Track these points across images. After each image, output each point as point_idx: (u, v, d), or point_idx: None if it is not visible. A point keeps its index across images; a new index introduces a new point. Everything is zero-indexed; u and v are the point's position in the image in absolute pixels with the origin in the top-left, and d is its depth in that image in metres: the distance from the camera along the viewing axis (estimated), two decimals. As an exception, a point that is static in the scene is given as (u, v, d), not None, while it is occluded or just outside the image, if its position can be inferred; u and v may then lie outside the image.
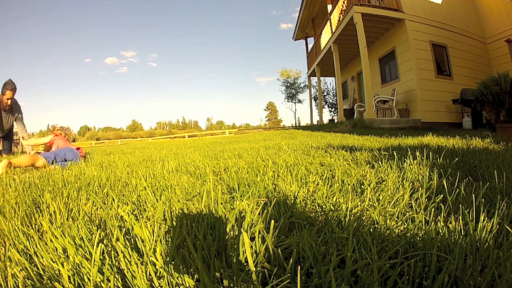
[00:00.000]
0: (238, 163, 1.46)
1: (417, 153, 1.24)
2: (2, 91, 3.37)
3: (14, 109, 3.65)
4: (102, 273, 0.44)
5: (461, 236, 0.54)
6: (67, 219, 0.74)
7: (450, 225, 0.58)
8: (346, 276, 0.40)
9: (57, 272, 0.47)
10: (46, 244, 0.56)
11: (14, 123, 3.80)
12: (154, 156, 2.30)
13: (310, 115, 12.87)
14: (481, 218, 0.56)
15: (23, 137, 3.77)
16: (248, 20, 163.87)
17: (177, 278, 0.43)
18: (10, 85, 3.41)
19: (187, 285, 0.43)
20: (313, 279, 0.41)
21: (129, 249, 0.49)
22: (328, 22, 8.59)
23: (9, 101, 3.42)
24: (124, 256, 0.47)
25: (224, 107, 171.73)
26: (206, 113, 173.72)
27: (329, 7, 8.61)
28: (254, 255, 0.48)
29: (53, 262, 0.49)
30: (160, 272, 0.45)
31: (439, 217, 0.64)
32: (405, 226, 0.62)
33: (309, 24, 11.96)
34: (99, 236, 0.57)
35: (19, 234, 0.61)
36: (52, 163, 2.12)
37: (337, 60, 8.12)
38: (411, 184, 0.89)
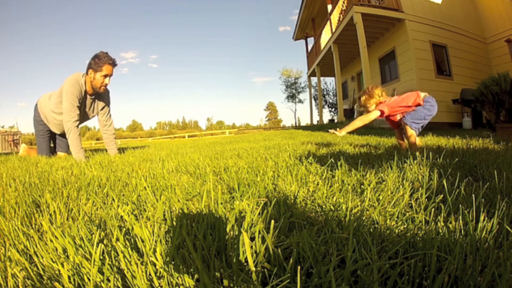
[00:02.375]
0: (238, 163, 1.46)
1: (417, 153, 1.24)
2: (92, 67, 2.27)
3: (103, 95, 2.58)
4: (102, 273, 0.44)
5: (461, 236, 0.54)
6: (67, 219, 0.74)
7: (450, 225, 0.58)
8: (346, 276, 0.40)
9: (57, 272, 0.47)
10: (46, 244, 0.56)
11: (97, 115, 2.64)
12: (154, 156, 2.30)
13: (310, 115, 12.89)
14: (481, 218, 0.56)
15: (113, 134, 2.68)
16: (246, 22, 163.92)
17: (177, 278, 0.43)
18: (108, 58, 2.29)
19: (187, 285, 0.43)
20: (313, 279, 0.41)
21: (129, 249, 0.49)
22: (328, 22, 8.59)
23: (106, 80, 2.35)
24: (124, 256, 0.47)
25: (224, 107, 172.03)
26: (206, 113, 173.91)
27: (329, 7, 8.61)
28: (254, 255, 0.48)
29: (53, 262, 0.49)
30: (160, 272, 0.45)
31: (439, 217, 0.64)
32: (405, 226, 0.62)
33: (309, 24, 11.96)
34: (99, 236, 0.57)
35: (19, 234, 0.61)
36: None
37: (337, 60, 8.12)
38: (411, 184, 0.89)
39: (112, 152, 2.62)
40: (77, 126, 2.31)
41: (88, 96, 2.45)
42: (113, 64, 2.34)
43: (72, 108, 2.25)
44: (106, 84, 2.38)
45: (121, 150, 3.06)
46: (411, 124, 1.86)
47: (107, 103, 2.66)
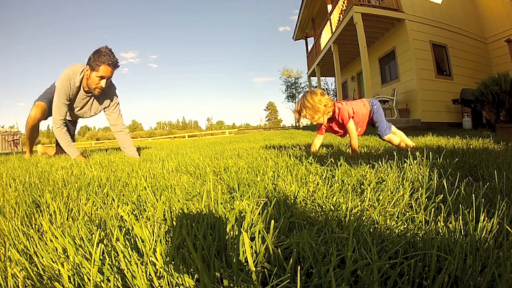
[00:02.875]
0: (238, 163, 1.46)
1: (417, 153, 1.24)
2: (90, 64, 2.02)
3: (107, 94, 2.30)
4: (102, 273, 0.44)
5: (461, 236, 0.54)
6: (67, 219, 0.74)
7: (450, 225, 0.58)
8: (346, 276, 0.40)
9: (57, 272, 0.47)
10: (46, 244, 0.56)
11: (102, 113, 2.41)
12: (154, 156, 2.30)
13: (310, 115, 12.84)
14: (481, 218, 0.56)
15: (128, 134, 2.44)
16: (246, 22, 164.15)
17: (177, 278, 0.43)
18: (109, 57, 2.01)
19: (187, 285, 0.43)
20: (313, 279, 0.41)
21: (129, 249, 0.49)
22: (328, 22, 8.59)
23: (102, 83, 2.07)
24: (124, 256, 0.47)
25: (224, 107, 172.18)
26: (206, 113, 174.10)
27: (329, 7, 8.61)
28: (254, 255, 0.48)
29: (53, 262, 0.49)
30: (160, 272, 0.45)
31: (439, 217, 0.64)
32: (405, 226, 0.62)
33: (309, 24, 11.96)
34: (99, 236, 0.57)
35: (19, 234, 0.61)
36: None
37: (337, 60, 8.12)
38: (411, 184, 0.89)
39: (131, 153, 2.35)
40: (63, 124, 2.18)
41: (84, 92, 2.21)
42: (113, 65, 2.05)
43: (60, 106, 2.12)
44: (102, 87, 2.10)
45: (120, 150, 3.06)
46: (390, 132, 1.95)
47: (113, 100, 2.38)
